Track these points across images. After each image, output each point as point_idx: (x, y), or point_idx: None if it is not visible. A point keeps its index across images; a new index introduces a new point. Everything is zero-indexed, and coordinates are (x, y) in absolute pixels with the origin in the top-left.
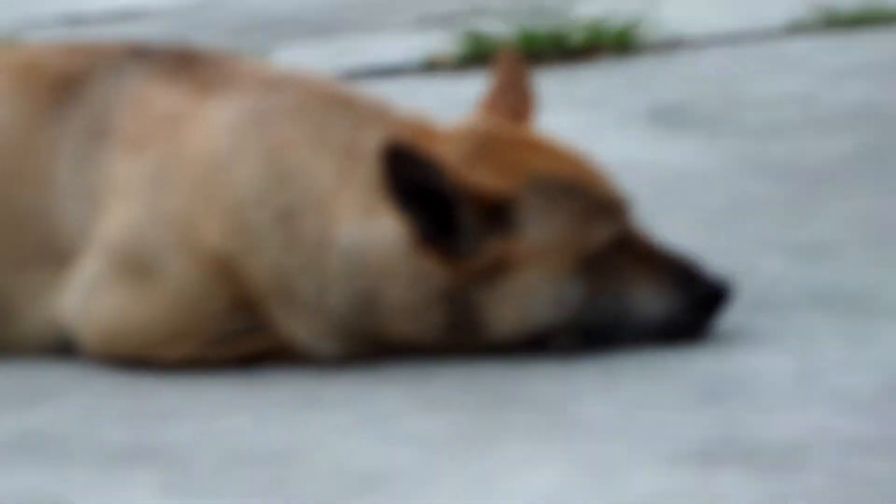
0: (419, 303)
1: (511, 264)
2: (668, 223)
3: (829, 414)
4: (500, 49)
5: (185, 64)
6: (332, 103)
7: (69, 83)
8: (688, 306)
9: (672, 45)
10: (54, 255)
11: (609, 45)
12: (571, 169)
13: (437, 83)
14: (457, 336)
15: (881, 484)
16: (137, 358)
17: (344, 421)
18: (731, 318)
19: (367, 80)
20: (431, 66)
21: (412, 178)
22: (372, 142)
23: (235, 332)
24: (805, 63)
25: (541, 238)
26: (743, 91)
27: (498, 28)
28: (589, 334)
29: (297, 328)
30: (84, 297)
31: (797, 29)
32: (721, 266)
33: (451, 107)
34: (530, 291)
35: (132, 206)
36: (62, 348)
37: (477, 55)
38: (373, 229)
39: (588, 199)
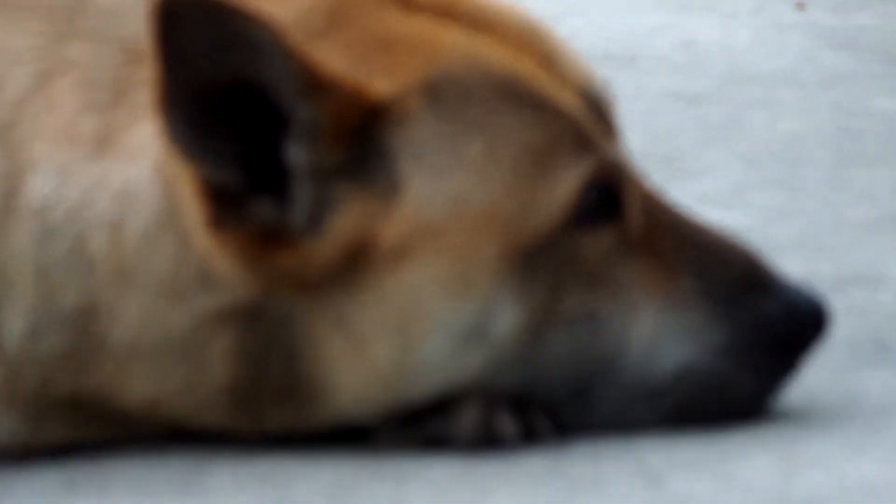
0: (188, 333)
1: (378, 254)
2: None
3: None
4: None
5: None
6: None
7: None
8: (744, 351)
9: None
10: None
11: None
12: (507, 54)
13: None
14: (256, 406)
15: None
16: None
17: None
18: None
19: None
20: None
21: (211, 61)
22: (125, 28)
23: None
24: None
25: (440, 198)
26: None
27: None
28: (530, 407)
29: None
30: None
31: None
32: None
33: None
34: (413, 312)
35: None
36: None
37: None
38: (102, 179)
39: (538, 119)
